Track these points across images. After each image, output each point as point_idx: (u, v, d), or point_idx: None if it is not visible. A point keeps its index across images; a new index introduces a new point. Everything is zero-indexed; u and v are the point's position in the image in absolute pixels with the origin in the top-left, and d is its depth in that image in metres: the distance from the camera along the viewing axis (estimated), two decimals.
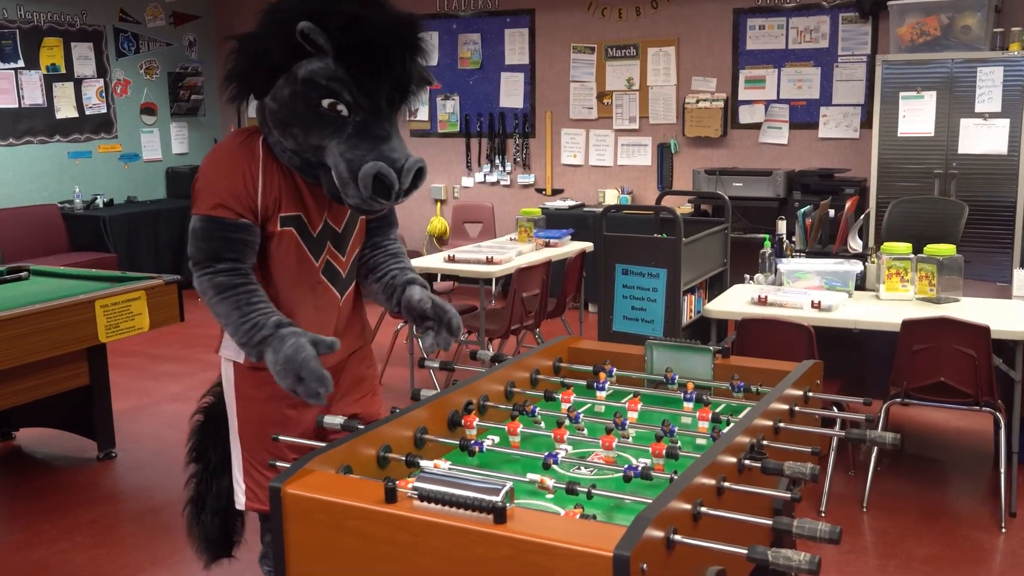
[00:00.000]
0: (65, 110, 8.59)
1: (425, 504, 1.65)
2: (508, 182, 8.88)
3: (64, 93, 8.58)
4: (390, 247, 2.63)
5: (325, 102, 2.18)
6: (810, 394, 2.49)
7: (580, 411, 2.37)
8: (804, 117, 7.68)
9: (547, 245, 6.26)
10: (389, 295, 2.54)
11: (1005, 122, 6.32)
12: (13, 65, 8.15)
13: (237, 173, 2.29)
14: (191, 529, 2.79)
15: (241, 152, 2.32)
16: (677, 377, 2.56)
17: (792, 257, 5.13)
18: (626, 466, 1.94)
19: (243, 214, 2.29)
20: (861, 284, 4.76)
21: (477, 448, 2.09)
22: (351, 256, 2.53)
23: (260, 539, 2.69)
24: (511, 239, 6.54)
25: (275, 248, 2.37)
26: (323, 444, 2.02)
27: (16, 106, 8.19)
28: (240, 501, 2.53)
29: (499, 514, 1.58)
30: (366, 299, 2.68)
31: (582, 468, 2.07)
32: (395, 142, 2.25)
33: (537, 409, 2.33)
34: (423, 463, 1.96)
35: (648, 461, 2.01)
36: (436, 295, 2.51)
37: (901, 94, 6.57)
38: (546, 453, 2.03)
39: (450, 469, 1.93)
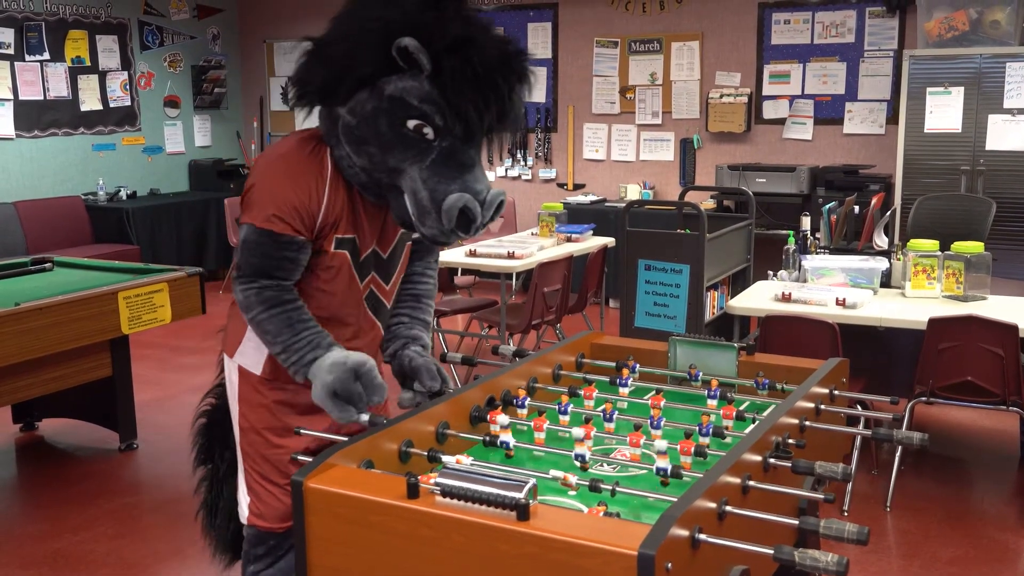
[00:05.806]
0: (89, 102, 8.64)
1: (448, 500, 1.63)
2: (529, 177, 8.86)
3: (89, 86, 8.62)
4: (420, 285, 2.50)
5: (411, 123, 2.03)
6: (836, 392, 2.46)
7: (601, 408, 2.34)
8: (829, 112, 7.62)
9: (568, 240, 6.24)
10: (386, 338, 2.44)
11: None
12: (39, 57, 8.20)
13: (303, 186, 2.13)
14: (206, 533, 2.72)
15: (310, 163, 2.16)
16: (701, 374, 2.53)
17: (816, 254, 5.09)
18: (654, 465, 1.92)
19: (300, 231, 2.14)
20: (887, 281, 4.71)
21: (503, 447, 2.07)
22: (395, 286, 2.42)
23: (242, 568, 2.45)
24: (532, 234, 6.52)
25: (323, 270, 2.23)
26: (346, 439, 2.00)
27: (41, 98, 8.24)
28: (243, 514, 2.42)
29: (522, 511, 1.57)
30: None
31: (605, 465, 2.05)
32: (479, 172, 2.11)
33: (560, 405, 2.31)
34: (445, 459, 1.94)
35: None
36: (434, 360, 2.37)
37: (928, 90, 6.50)
38: (574, 453, 2.01)
39: (472, 465, 1.91)
